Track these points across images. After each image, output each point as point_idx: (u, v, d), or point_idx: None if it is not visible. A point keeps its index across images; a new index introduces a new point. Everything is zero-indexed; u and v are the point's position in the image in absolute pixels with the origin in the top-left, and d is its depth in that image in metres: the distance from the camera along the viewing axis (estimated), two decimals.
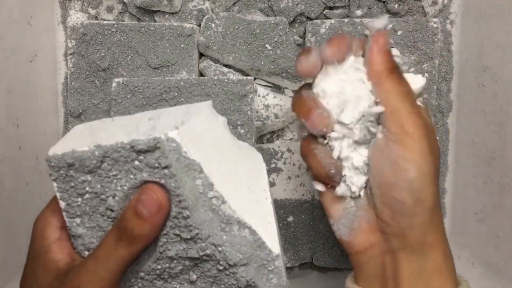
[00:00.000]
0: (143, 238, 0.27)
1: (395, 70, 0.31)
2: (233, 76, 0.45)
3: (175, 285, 0.30)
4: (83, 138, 0.30)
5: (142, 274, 0.30)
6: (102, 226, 0.29)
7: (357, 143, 0.32)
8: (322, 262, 0.47)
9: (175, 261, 0.29)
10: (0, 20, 0.40)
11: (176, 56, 0.45)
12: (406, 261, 0.30)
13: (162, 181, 0.28)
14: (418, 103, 0.32)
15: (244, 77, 0.43)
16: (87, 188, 0.29)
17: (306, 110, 0.31)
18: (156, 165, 0.27)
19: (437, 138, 0.33)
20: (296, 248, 0.47)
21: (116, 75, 0.45)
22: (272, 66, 0.44)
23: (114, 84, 0.43)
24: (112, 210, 0.29)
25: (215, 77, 0.44)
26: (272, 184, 0.46)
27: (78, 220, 0.29)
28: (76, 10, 0.48)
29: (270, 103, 0.45)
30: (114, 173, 0.28)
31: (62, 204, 0.29)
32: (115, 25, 0.45)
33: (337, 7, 0.46)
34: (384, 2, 0.46)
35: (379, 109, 0.31)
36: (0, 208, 0.41)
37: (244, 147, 0.36)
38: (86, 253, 0.30)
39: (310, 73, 0.32)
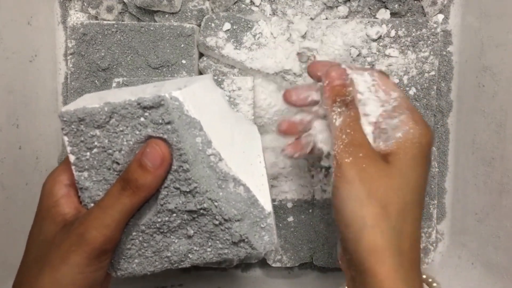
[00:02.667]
0: (146, 188, 0.29)
1: (341, 105, 0.32)
2: (234, 75, 0.45)
3: (173, 239, 0.32)
4: (93, 100, 0.32)
5: (143, 227, 0.32)
6: (108, 179, 0.31)
7: None
8: (322, 262, 0.47)
9: (174, 215, 0.31)
10: (0, 20, 0.40)
11: (176, 56, 0.45)
12: None
13: (165, 136, 0.30)
14: (368, 127, 0.33)
15: (244, 77, 0.44)
16: (96, 143, 0.31)
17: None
18: (160, 121, 0.29)
19: (378, 163, 0.32)
20: (296, 248, 0.47)
21: (116, 75, 0.45)
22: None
23: (114, 84, 0.43)
24: (118, 163, 0.31)
25: (215, 77, 0.44)
26: (272, 185, 0.47)
27: (86, 173, 0.31)
28: (76, 10, 0.48)
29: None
30: (121, 128, 0.30)
31: (72, 158, 0.31)
32: (115, 25, 0.45)
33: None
34: (384, 2, 0.46)
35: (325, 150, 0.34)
36: (0, 208, 0.41)
37: (241, 117, 0.38)
38: (92, 205, 0.32)
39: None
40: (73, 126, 0.31)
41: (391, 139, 0.31)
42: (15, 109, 0.42)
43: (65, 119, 0.30)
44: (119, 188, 0.30)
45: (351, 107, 0.32)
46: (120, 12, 0.47)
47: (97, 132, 0.31)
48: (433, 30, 0.44)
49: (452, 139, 0.49)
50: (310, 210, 0.47)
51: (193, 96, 0.31)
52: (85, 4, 0.47)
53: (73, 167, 0.31)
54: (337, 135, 0.31)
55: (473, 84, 0.46)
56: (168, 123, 0.29)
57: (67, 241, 0.29)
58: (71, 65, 0.46)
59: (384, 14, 0.46)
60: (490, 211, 0.44)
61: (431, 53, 0.44)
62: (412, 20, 0.44)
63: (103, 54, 0.45)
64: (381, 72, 0.34)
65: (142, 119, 0.30)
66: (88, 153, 0.31)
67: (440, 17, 0.47)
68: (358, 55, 0.44)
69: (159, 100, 0.29)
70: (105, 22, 0.45)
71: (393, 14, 0.46)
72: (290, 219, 0.47)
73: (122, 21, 0.47)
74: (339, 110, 0.32)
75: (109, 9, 0.47)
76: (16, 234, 0.43)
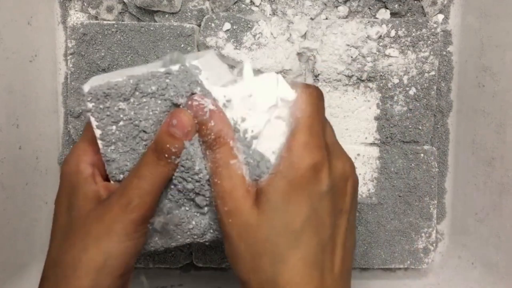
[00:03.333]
0: (178, 155, 0.30)
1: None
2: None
3: (194, 212, 0.33)
4: (110, 76, 0.32)
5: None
6: (136, 149, 0.32)
7: None
8: None
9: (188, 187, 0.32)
10: (0, 20, 0.40)
11: None
12: None
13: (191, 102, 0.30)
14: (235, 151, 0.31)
15: None
16: (122, 116, 0.31)
17: None
18: (187, 90, 0.30)
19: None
20: None
21: None
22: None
23: None
24: (145, 132, 0.32)
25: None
26: None
27: (112, 146, 0.32)
28: (76, 10, 0.48)
29: None
30: (145, 100, 0.31)
31: (98, 132, 0.32)
32: (115, 25, 0.45)
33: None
34: (384, 2, 0.46)
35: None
36: (0, 208, 0.41)
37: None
38: (121, 176, 0.33)
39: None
40: (99, 101, 0.31)
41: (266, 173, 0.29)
42: (15, 109, 0.42)
43: (91, 94, 0.31)
44: (154, 158, 0.30)
45: (218, 147, 0.30)
46: (120, 12, 0.47)
47: (123, 105, 0.31)
48: (433, 30, 0.44)
49: (452, 139, 0.49)
50: None
51: (207, 64, 0.32)
52: (85, 4, 0.47)
53: (99, 141, 0.32)
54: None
55: (473, 84, 0.46)
56: (192, 92, 0.30)
57: (110, 213, 0.30)
58: (71, 65, 0.46)
59: (384, 14, 0.46)
60: (490, 211, 0.44)
61: (431, 53, 0.44)
62: (412, 20, 0.44)
63: (103, 54, 0.45)
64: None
65: (166, 89, 0.31)
66: (114, 127, 0.32)
67: (440, 17, 0.47)
68: (358, 55, 0.44)
69: (182, 69, 0.30)
70: (105, 22, 0.45)
71: (393, 14, 0.46)
72: None
73: (122, 21, 0.47)
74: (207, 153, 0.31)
75: (109, 9, 0.47)
76: (16, 234, 0.43)
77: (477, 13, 0.45)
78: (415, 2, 0.46)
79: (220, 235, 0.32)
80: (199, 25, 0.46)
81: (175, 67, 0.31)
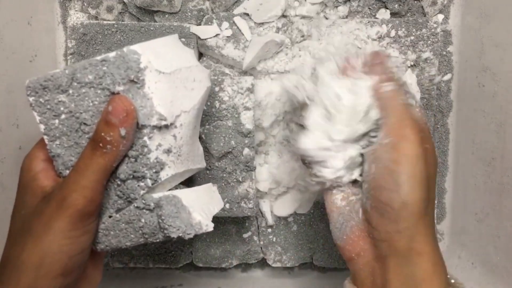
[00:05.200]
0: (116, 145, 0.29)
1: (396, 82, 0.33)
2: (233, 75, 0.45)
3: (144, 210, 0.32)
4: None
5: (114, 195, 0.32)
6: (79, 143, 0.31)
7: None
8: (322, 262, 0.47)
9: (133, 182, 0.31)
10: (0, 20, 0.40)
11: None
12: (394, 269, 0.30)
13: (128, 93, 0.30)
14: (417, 109, 0.33)
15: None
16: (62, 108, 0.31)
17: None
18: (121, 77, 0.30)
19: (435, 148, 0.33)
20: (296, 248, 0.47)
21: None
22: None
23: None
24: (86, 124, 0.31)
25: (215, 77, 0.44)
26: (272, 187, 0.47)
27: (57, 141, 0.32)
28: (76, 10, 0.48)
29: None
30: (84, 90, 0.31)
31: (42, 127, 0.32)
32: (115, 25, 0.45)
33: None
34: (384, 2, 0.46)
35: (376, 115, 0.32)
36: (0, 208, 0.41)
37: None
38: (67, 171, 0.32)
39: None
40: (38, 94, 0.31)
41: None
42: (15, 109, 0.42)
43: (29, 86, 0.31)
44: (90, 149, 0.30)
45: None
46: (120, 12, 0.47)
47: (62, 97, 0.31)
48: (433, 30, 0.44)
49: (452, 139, 0.49)
50: (311, 210, 0.47)
51: (154, 51, 0.31)
52: (85, 4, 0.47)
53: (44, 137, 0.32)
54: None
55: (473, 84, 0.46)
56: (131, 79, 0.30)
57: (48, 209, 0.30)
58: None
59: (384, 14, 0.46)
60: (490, 211, 0.44)
61: (431, 53, 0.44)
62: (412, 20, 0.44)
63: None
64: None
65: (103, 77, 0.30)
66: (56, 121, 0.31)
67: (440, 17, 0.47)
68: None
69: (118, 55, 0.30)
70: (105, 22, 0.45)
71: (393, 14, 0.46)
72: (290, 219, 0.47)
73: (122, 21, 0.47)
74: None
75: (109, 9, 0.47)
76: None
77: (477, 13, 0.45)
78: (415, 2, 0.46)
79: (171, 234, 0.32)
80: (199, 25, 0.46)
81: (112, 54, 0.30)
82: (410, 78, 0.45)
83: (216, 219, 0.47)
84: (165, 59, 0.31)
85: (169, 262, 0.47)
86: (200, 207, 0.33)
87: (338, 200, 0.34)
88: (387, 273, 0.30)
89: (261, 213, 0.47)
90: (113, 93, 0.30)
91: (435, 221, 0.47)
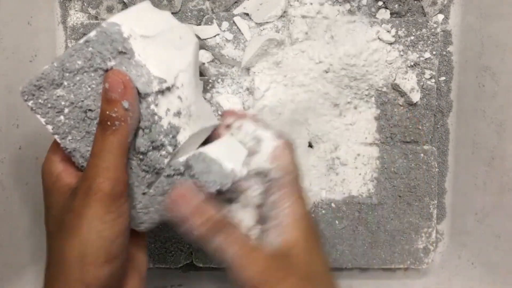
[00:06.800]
0: (123, 119, 0.29)
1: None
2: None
3: (165, 174, 0.32)
4: None
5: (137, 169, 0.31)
6: (90, 131, 0.31)
7: None
8: None
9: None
10: (0, 20, 0.40)
11: None
12: None
13: (122, 67, 0.30)
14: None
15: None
16: (63, 103, 0.31)
17: None
18: (111, 51, 0.29)
19: (322, 240, 0.33)
20: None
21: None
22: None
23: None
24: (91, 110, 0.31)
25: (215, 77, 0.44)
26: None
27: (69, 137, 0.31)
28: (76, 10, 0.48)
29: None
30: (78, 78, 0.30)
31: (50, 128, 0.31)
32: None
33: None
34: (384, 2, 0.46)
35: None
36: (0, 208, 0.41)
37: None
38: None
39: None
40: (35, 96, 0.31)
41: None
42: (15, 109, 0.42)
43: (24, 92, 0.30)
44: (100, 131, 0.29)
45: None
46: None
47: (59, 91, 0.30)
48: (433, 30, 0.44)
49: (452, 139, 0.49)
50: (311, 210, 0.47)
51: (133, 19, 0.31)
52: (85, 4, 0.47)
53: (55, 137, 0.31)
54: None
55: (473, 84, 0.46)
56: (119, 52, 0.29)
57: (77, 201, 0.29)
58: None
59: (384, 14, 0.46)
60: (490, 211, 0.44)
61: (431, 53, 0.44)
62: (412, 20, 0.44)
63: None
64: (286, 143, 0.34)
65: (92, 58, 0.30)
66: (61, 117, 0.31)
67: (440, 17, 0.47)
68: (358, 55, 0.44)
69: (99, 31, 0.29)
70: None
71: (393, 14, 0.46)
72: None
73: None
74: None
75: (109, 9, 0.47)
76: (16, 234, 0.43)
77: (477, 13, 0.45)
78: (415, 2, 0.46)
79: (209, 190, 0.32)
80: (199, 25, 0.46)
81: (92, 33, 0.30)
82: (410, 78, 0.45)
83: None
84: (146, 24, 0.31)
85: (169, 262, 0.47)
86: (228, 156, 0.32)
87: None
88: None
89: None
90: (106, 71, 0.30)
91: (435, 220, 0.47)
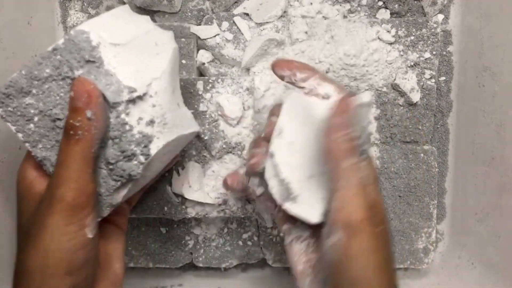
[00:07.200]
0: (86, 128, 0.28)
1: (353, 153, 0.30)
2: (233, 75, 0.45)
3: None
4: None
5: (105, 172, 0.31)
6: (59, 140, 0.31)
7: None
8: None
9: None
10: (0, 20, 0.40)
11: None
12: None
13: (90, 75, 0.29)
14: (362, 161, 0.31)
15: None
16: (32, 111, 0.30)
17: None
18: (78, 60, 0.29)
19: (388, 225, 0.33)
20: None
21: None
22: None
23: None
24: (59, 119, 0.30)
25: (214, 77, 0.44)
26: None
27: (40, 145, 0.31)
28: (76, 10, 0.48)
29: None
30: (46, 86, 0.30)
31: (20, 136, 0.31)
32: None
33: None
34: (384, 2, 0.46)
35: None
36: (0, 209, 0.41)
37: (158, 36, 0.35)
38: None
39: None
40: (4, 104, 0.30)
41: None
42: None
43: None
44: (65, 140, 0.29)
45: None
46: None
47: (28, 99, 0.30)
48: (433, 30, 0.44)
49: (452, 139, 0.49)
50: None
51: (103, 26, 0.30)
52: (85, 4, 0.47)
53: (26, 145, 0.31)
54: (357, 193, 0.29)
55: (473, 84, 0.46)
56: (86, 61, 0.29)
57: (41, 209, 0.29)
58: None
59: (384, 14, 0.46)
60: (490, 211, 0.44)
61: (431, 53, 0.44)
62: (412, 20, 0.44)
63: None
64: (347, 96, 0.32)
65: (60, 67, 0.29)
66: (31, 125, 0.31)
67: (440, 17, 0.47)
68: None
69: (67, 39, 0.29)
70: None
71: (393, 14, 0.46)
72: None
73: None
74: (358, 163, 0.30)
75: (109, 9, 0.47)
76: (15, 235, 0.43)
77: (477, 13, 0.45)
78: (415, 2, 0.46)
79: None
80: (199, 25, 0.46)
81: (61, 40, 0.29)
82: (410, 78, 0.45)
83: (216, 219, 0.47)
84: (118, 31, 0.31)
85: (169, 262, 0.47)
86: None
87: (297, 262, 0.33)
88: None
89: (260, 215, 0.47)
90: (73, 79, 0.29)
91: (435, 220, 0.47)
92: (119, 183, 0.31)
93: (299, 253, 0.33)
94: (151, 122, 0.31)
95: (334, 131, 0.30)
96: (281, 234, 0.34)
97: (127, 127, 0.30)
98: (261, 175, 0.34)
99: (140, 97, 0.30)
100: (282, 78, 0.35)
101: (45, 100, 0.30)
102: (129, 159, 0.30)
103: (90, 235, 0.30)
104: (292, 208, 0.32)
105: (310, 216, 0.32)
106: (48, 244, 0.28)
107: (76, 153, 0.28)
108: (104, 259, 0.33)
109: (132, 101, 0.30)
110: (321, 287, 0.32)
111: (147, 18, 0.34)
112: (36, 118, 0.30)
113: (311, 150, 0.32)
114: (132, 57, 0.30)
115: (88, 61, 0.29)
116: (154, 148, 0.31)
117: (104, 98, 0.29)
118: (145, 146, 0.30)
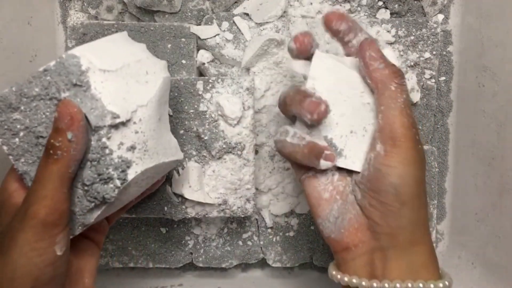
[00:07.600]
0: (65, 149, 0.29)
1: (396, 74, 0.33)
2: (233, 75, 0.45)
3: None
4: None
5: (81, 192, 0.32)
6: (40, 156, 0.31)
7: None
8: (322, 262, 0.47)
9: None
10: (0, 20, 0.40)
11: (176, 56, 0.45)
12: (396, 258, 0.32)
13: (76, 98, 0.30)
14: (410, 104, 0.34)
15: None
16: (19, 126, 0.31)
17: (299, 99, 0.33)
18: (66, 82, 0.30)
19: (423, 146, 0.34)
20: (296, 248, 0.47)
21: None
22: None
23: None
24: (43, 137, 0.31)
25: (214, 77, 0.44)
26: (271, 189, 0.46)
27: (22, 159, 0.32)
28: (76, 10, 0.48)
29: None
30: (34, 104, 0.31)
31: (5, 148, 0.32)
32: (115, 25, 0.45)
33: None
34: (384, 2, 0.46)
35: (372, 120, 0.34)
36: None
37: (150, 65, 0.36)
38: None
39: (305, 51, 0.35)
40: None
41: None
42: None
43: None
44: (44, 158, 0.30)
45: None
46: (120, 12, 0.47)
47: (16, 115, 0.31)
48: (433, 30, 0.44)
49: (452, 139, 0.49)
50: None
51: (94, 52, 0.31)
52: (85, 4, 0.47)
53: (10, 157, 0.32)
54: (404, 112, 0.32)
55: (473, 84, 0.46)
56: (74, 84, 0.30)
57: (14, 223, 0.29)
58: None
59: (384, 14, 0.46)
60: (490, 211, 0.44)
61: (431, 53, 0.44)
62: (412, 20, 0.44)
63: None
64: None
65: (48, 87, 0.30)
66: (16, 139, 0.32)
67: (440, 17, 0.47)
68: None
69: (58, 62, 0.30)
70: (105, 22, 0.45)
71: (393, 14, 0.46)
72: (290, 219, 0.47)
73: (122, 21, 0.47)
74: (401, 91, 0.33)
75: (109, 9, 0.47)
76: None
77: (477, 13, 0.45)
78: (415, 2, 0.46)
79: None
80: (199, 25, 0.46)
81: (52, 62, 0.30)
82: (410, 78, 0.45)
83: (216, 219, 0.47)
84: (109, 57, 0.32)
85: (169, 262, 0.47)
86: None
87: (322, 191, 0.35)
88: (388, 262, 0.32)
89: (260, 215, 0.47)
90: (60, 101, 0.30)
91: (435, 220, 0.47)
92: (93, 204, 0.31)
93: (325, 182, 0.35)
94: (132, 148, 0.31)
95: (371, 63, 0.33)
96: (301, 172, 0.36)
97: (107, 151, 0.31)
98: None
99: (123, 123, 0.31)
100: (337, 33, 0.36)
101: (32, 118, 0.31)
102: (105, 182, 0.31)
103: (59, 253, 0.30)
104: (338, 162, 0.34)
105: (356, 167, 0.34)
106: (17, 258, 0.29)
107: (53, 172, 0.29)
108: (75, 273, 0.34)
109: (114, 126, 0.31)
110: (353, 207, 0.34)
111: (143, 46, 0.35)
112: (21, 134, 0.31)
113: (346, 107, 0.34)
114: (120, 84, 0.31)
115: (75, 85, 0.30)
116: (131, 174, 0.31)
117: (88, 121, 0.30)
118: (123, 171, 0.31)
